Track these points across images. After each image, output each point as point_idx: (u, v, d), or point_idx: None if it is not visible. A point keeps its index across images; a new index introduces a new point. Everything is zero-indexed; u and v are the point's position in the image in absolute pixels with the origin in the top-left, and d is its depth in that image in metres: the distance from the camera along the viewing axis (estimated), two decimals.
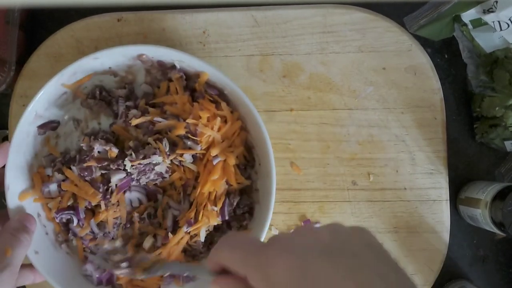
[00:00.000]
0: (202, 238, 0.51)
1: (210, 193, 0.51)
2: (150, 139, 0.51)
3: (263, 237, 0.49)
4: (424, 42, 0.59)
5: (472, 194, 0.56)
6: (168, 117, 0.51)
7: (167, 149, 0.50)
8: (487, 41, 0.55)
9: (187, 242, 0.52)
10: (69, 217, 0.52)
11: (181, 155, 0.51)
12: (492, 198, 0.52)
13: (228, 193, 0.52)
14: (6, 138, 0.60)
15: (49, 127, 0.53)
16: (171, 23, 0.58)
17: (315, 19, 0.57)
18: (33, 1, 0.56)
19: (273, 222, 0.58)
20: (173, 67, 0.52)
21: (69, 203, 0.52)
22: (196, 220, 0.50)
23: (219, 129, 0.51)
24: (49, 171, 0.52)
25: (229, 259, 0.32)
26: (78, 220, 0.52)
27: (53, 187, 0.52)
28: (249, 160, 0.53)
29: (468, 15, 0.54)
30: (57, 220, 0.52)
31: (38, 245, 0.50)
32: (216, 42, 0.58)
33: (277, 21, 0.58)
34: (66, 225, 0.53)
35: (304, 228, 0.32)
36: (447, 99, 0.59)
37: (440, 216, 0.57)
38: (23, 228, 0.47)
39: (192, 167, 0.51)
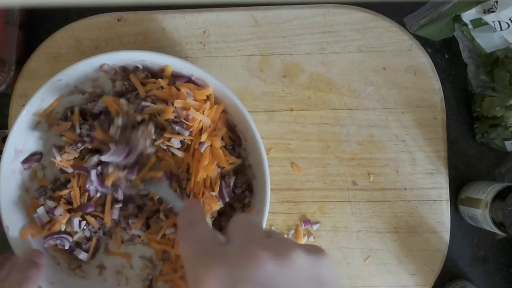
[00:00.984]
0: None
1: (204, 180, 0.51)
2: (139, 117, 0.50)
3: (267, 211, 0.49)
4: (424, 42, 0.59)
5: (472, 194, 0.56)
6: (156, 102, 0.51)
7: (153, 132, 0.50)
8: (487, 41, 0.55)
9: None
10: (58, 241, 0.51)
11: (169, 139, 0.50)
12: (492, 198, 0.52)
13: (222, 176, 0.51)
14: (6, 139, 0.60)
15: (33, 160, 0.52)
16: (171, 23, 0.58)
17: (315, 19, 0.57)
18: (33, 1, 0.56)
19: (273, 222, 0.58)
20: (136, 68, 0.52)
21: (62, 228, 0.51)
22: None
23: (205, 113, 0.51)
24: (41, 200, 0.51)
25: (182, 250, 0.33)
26: (70, 245, 0.51)
27: (40, 211, 0.51)
28: (234, 139, 0.53)
29: (468, 15, 0.54)
30: (45, 246, 0.51)
31: (52, 276, 0.50)
32: (216, 42, 0.58)
33: (277, 21, 0.58)
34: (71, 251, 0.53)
35: (257, 251, 0.30)
36: (447, 99, 0.59)
37: (440, 216, 0.57)
38: (31, 264, 0.47)
39: (179, 153, 0.51)
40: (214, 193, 0.50)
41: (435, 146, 0.58)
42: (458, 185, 0.60)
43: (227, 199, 0.51)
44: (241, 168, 0.53)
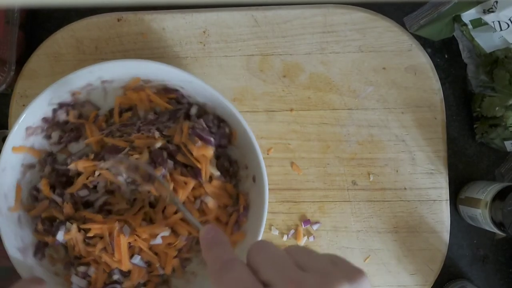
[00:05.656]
0: (215, 172, 0.51)
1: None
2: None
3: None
4: (424, 42, 0.59)
5: (472, 194, 0.56)
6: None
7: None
8: (487, 41, 0.55)
9: None
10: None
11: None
12: (492, 198, 0.52)
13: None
14: (6, 138, 0.60)
15: (42, 247, 0.51)
16: (171, 23, 0.58)
17: (315, 19, 0.58)
18: (33, 1, 0.56)
19: (273, 222, 0.58)
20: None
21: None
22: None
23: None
24: (73, 271, 0.50)
25: None
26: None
27: (75, 280, 0.49)
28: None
29: (468, 15, 0.54)
30: None
31: None
32: (216, 42, 0.58)
33: (277, 21, 0.58)
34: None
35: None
36: (447, 99, 0.59)
37: (440, 216, 0.57)
38: (35, 281, 0.46)
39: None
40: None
41: (435, 146, 0.58)
42: (458, 185, 0.60)
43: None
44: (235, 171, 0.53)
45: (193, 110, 0.52)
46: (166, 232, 0.49)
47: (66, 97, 0.50)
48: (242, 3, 0.57)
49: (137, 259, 0.49)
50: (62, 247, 0.51)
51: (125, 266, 0.49)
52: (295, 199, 0.58)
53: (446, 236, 0.57)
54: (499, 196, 0.52)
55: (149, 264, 0.51)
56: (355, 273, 0.30)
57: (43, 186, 0.50)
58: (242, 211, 0.51)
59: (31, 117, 0.48)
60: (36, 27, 0.60)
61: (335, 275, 0.29)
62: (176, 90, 0.52)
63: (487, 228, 0.55)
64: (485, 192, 0.53)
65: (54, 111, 0.50)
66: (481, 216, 0.54)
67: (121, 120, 0.53)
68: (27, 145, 0.50)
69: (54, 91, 0.48)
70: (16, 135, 0.48)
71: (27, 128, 0.49)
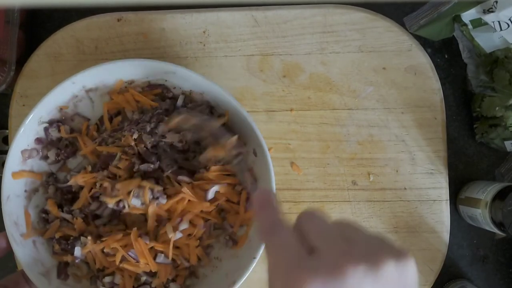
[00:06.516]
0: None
1: None
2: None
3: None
4: (424, 42, 0.59)
5: (472, 194, 0.56)
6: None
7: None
8: (487, 41, 0.55)
9: None
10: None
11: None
12: (492, 198, 0.52)
13: None
14: (6, 138, 0.60)
15: (64, 270, 0.51)
16: (171, 23, 0.58)
17: (315, 19, 0.58)
18: (33, 1, 0.56)
19: None
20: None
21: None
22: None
23: None
24: (99, 284, 0.50)
25: (268, 256, 0.32)
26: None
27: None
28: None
29: (468, 15, 0.54)
30: None
31: None
32: (216, 42, 0.58)
33: (277, 21, 0.58)
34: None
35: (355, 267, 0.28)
36: (447, 99, 0.59)
37: (440, 216, 0.57)
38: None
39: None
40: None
41: (435, 146, 0.58)
42: (457, 185, 0.60)
43: None
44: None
45: (179, 102, 0.52)
46: (185, 225, 0.50)
47: (55, 113, 0.51)
48: (242, 3, 0.57)
49: (161, 258, 0.50)
50: (84, 263, 0.51)
51: (152, 267, 0.49)
52: (295, 199, 0.58)
53: (446, 236, 0.57)
54: (499, 196, 0.52)
55: (173, 259, 0.51)
56: (402, 253, 0.30)
57: (51, 207, 0.50)
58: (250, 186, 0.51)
59: (24, 139, 0.48)
60: (36, 27, 0.60)
61: (382, 251, 0.29)
62: (160, 85, 0.52)
63: (487, 228, 0.55)
64: (485, 192, 0.53)
65: (46, 129, 0.51)
66: (481, 216, 0.54)
67: (112, 126, 0.53)
68: (26, 169, 0.50)
69: (41, 109, 0.48)
70: (13, 160, 0.48)
71: (23, 152, 0.49)
